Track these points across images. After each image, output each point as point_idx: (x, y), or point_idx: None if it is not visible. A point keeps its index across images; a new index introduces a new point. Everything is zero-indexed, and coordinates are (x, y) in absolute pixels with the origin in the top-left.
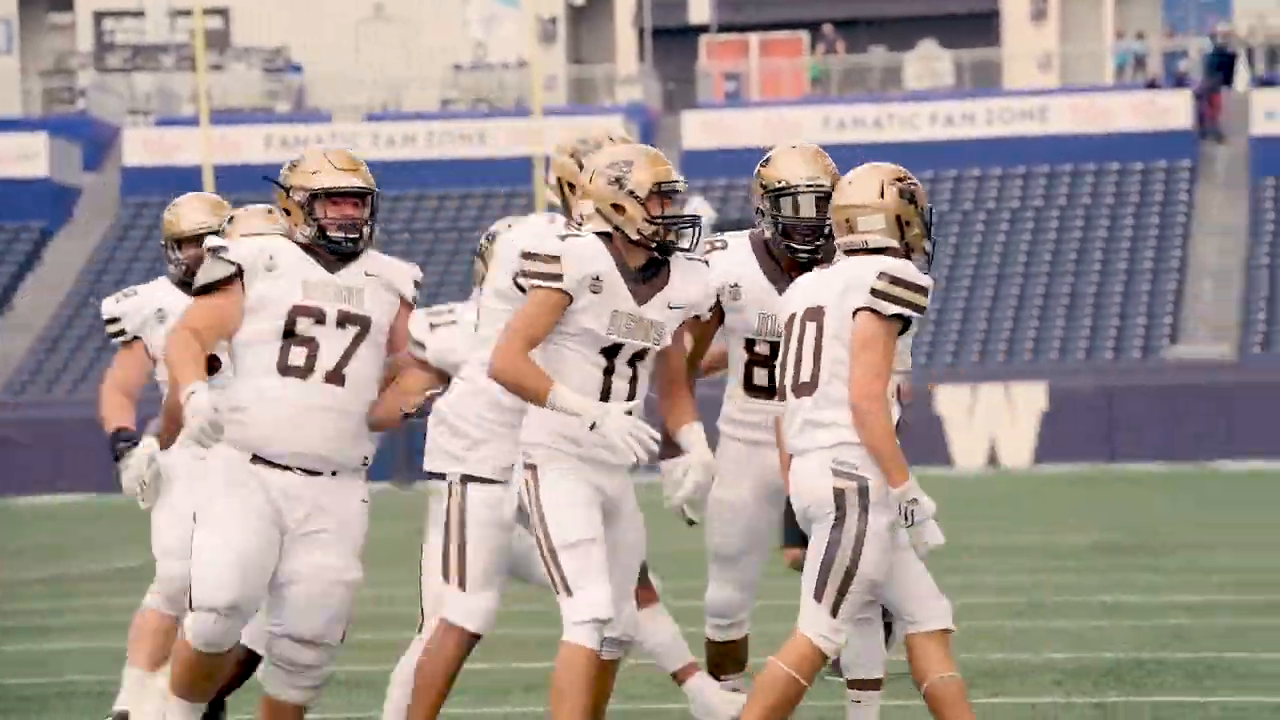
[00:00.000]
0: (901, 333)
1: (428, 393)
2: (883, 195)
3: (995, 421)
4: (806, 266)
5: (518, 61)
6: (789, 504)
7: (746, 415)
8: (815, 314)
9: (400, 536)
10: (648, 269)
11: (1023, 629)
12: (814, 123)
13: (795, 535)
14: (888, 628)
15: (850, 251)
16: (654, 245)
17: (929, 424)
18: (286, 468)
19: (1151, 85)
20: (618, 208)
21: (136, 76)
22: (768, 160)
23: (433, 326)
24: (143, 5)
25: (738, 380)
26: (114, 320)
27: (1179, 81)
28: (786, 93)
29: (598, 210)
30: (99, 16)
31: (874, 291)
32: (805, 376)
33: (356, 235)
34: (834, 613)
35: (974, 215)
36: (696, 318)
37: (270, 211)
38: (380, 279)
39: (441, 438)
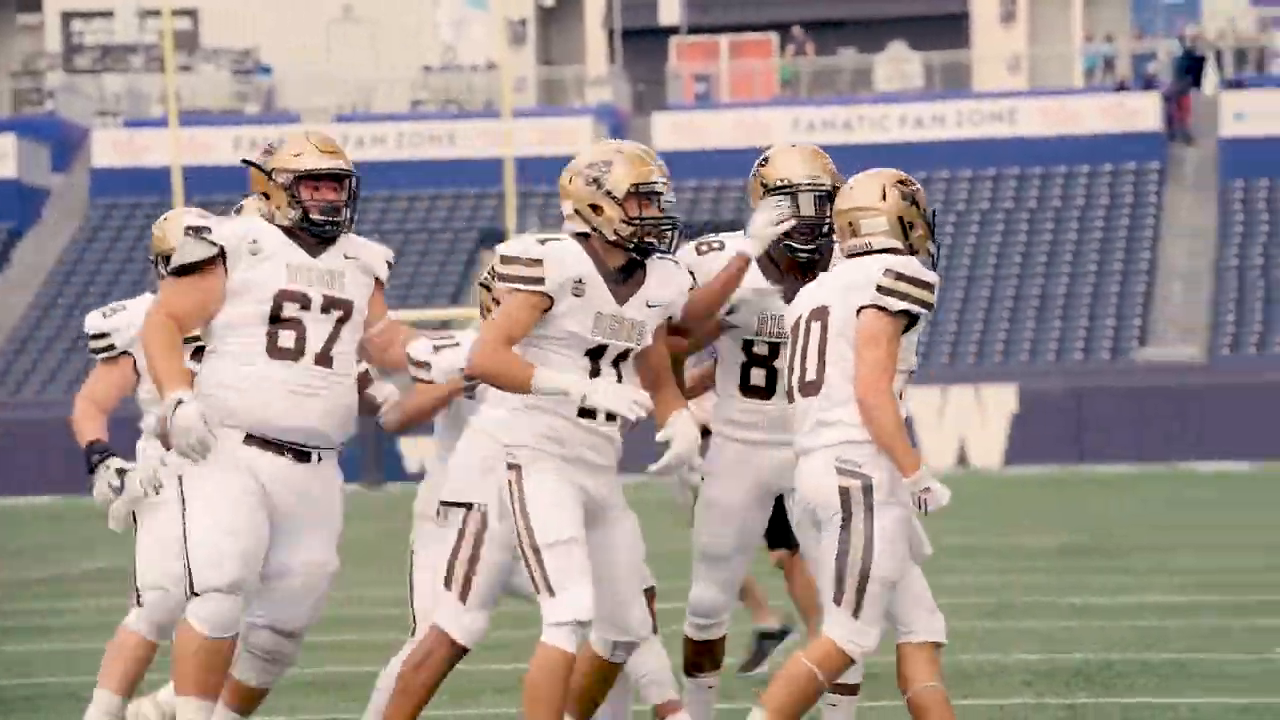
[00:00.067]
0: (907, 330)
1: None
2: (884, 198)
3: (965, 423)
4: (805, 266)
5: (487, 63)
6: (778, 505)
7: (743, 416)
8: (820, 314)
9: (370, 537)
10: (625, 269)
11: (992, 630)
12: (784, 124)
13: (781, 537)
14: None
15: (853, 255)
16: (631, 246)
17: None
18: (280, 449)
19: (1120, 88)
20: (595, 208)
21: (105, 77)
22: (766, 159)
23: (436, 349)
24: (111, 6)
25: (734, 381)
26: (102, 335)
27: (1148, 84)
28: (757, 94)
29: (576, 211)
30: (67, 17)
31: (880, 288)
32: (810, 376)
33: (338, 219)
34: (856, 615)
35: (943, 217)
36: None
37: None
38: (359, 261)
39: (470, 471)
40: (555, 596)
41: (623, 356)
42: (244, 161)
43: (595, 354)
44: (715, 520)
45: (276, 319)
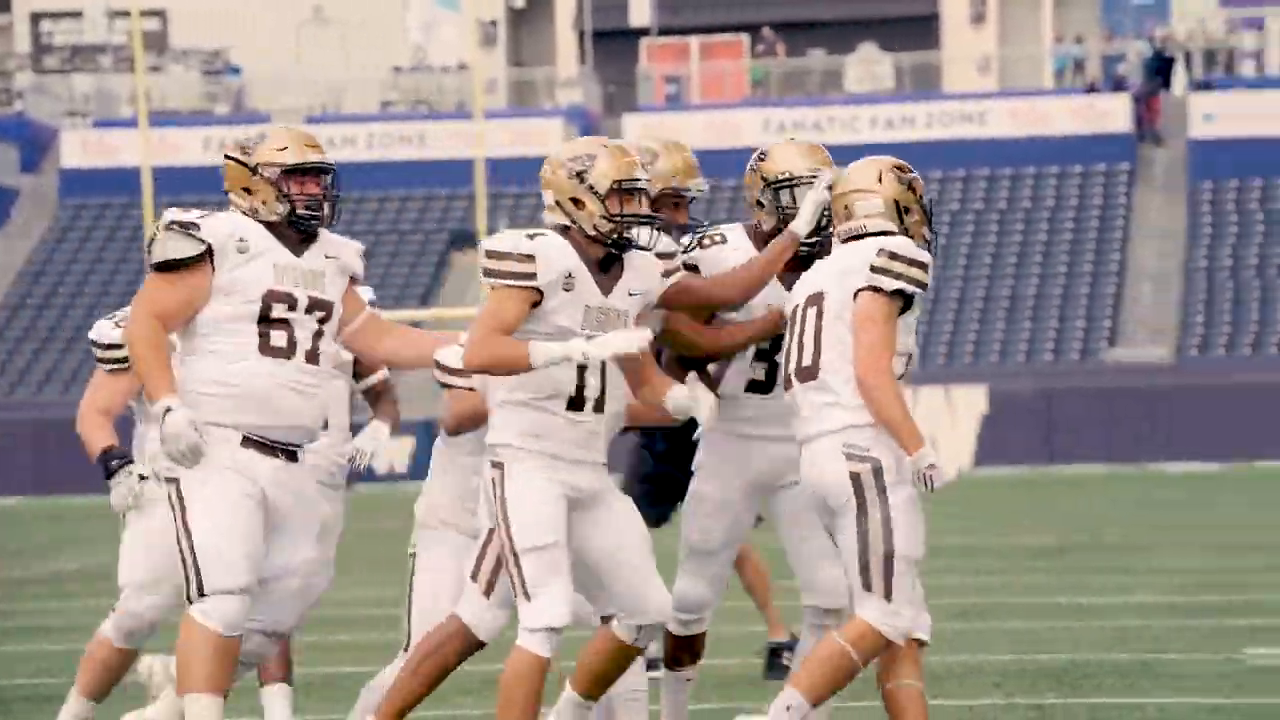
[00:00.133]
0: (903, 312)
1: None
2: (881, 181)
3: (935, 424)
4: (805, 260)
5: (458, 64)
6: None
7: (742, 410)
8: (816, 300)
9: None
10: (605, 261)
11: (962, 631)
12: (754, 125)
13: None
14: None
15: (849, 240)
16: (609, 242)
17: None
18: (275, 450)
19: (1090, 89)
20: (577, 202)
21: (74, 78)
22: (765, 154)
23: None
24: (80, 6)
25: (736, 376)
26: (114, 346)
27: (1117, 85)
28: (727, 95)
29: (556, 203)
30: (36, 17)
31: (874, 268)
32: (807, 362)
33: (323, 212)
34: (889, 597)
35: None
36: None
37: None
38: (339, 261)
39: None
40: (531, 602)
41: None
42: (227, 157)
43: None
44: (706, 515)
45: (265, 319)
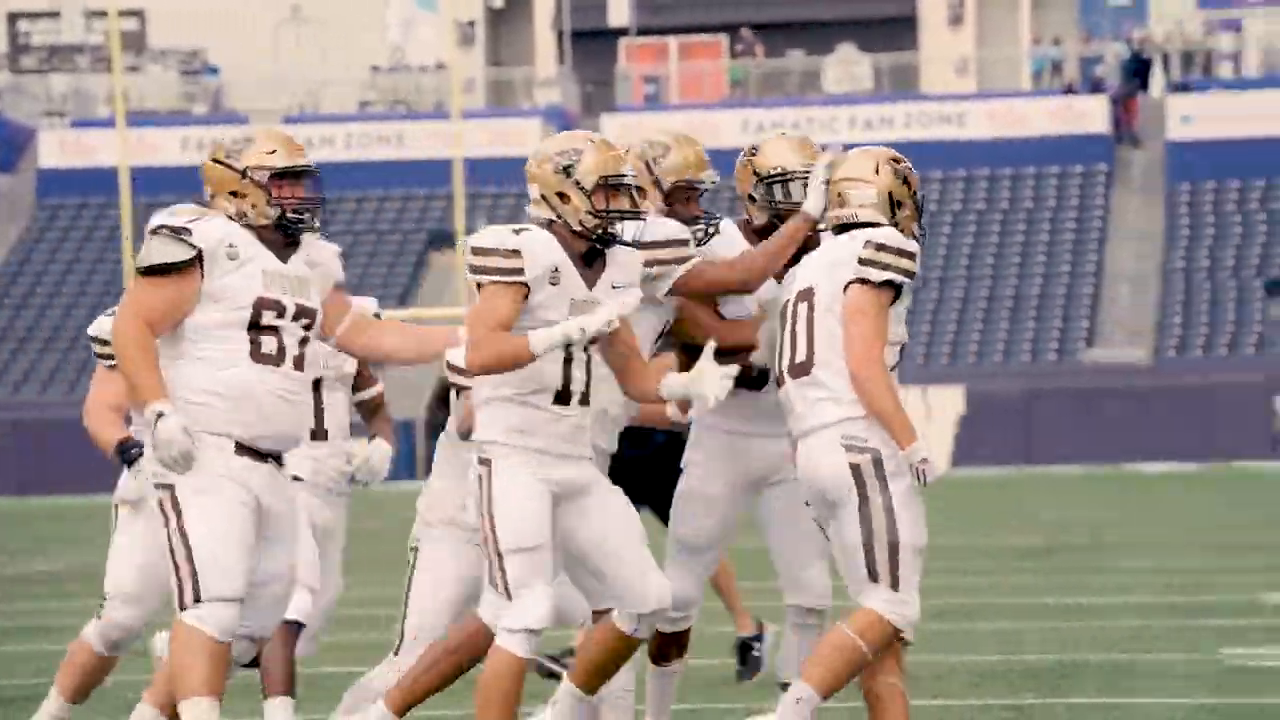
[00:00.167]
0: (893, 302)
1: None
2: (877, 172)
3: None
4: (797, 254)
5: (436, 64)
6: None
7: (734, 407)
8: (806, 294)
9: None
10: (589, 254)
11: (940, 631)
12: (733, 126)
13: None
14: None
15: (840, 229)
16: (594, 237)
17: None
18: (266, 457)
19: (1068, 90)
20: (562, 196)
21: (52, 78)
22: (756, 149)
23: None
24: (58, 6)
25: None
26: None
27: (1095, 87)
28: (706, 96)
29: (542, 196)
30: (13, 17)
31: (862, 260)
32: (800, 357)
33: (311, 215)
34: (895, 587)
35: None
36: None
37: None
38: (322, 268)
39: None
40: (513, 602)
41: (593, 341)
42: (213, 160)
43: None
44: (696, 511)
45: (255, 325)
